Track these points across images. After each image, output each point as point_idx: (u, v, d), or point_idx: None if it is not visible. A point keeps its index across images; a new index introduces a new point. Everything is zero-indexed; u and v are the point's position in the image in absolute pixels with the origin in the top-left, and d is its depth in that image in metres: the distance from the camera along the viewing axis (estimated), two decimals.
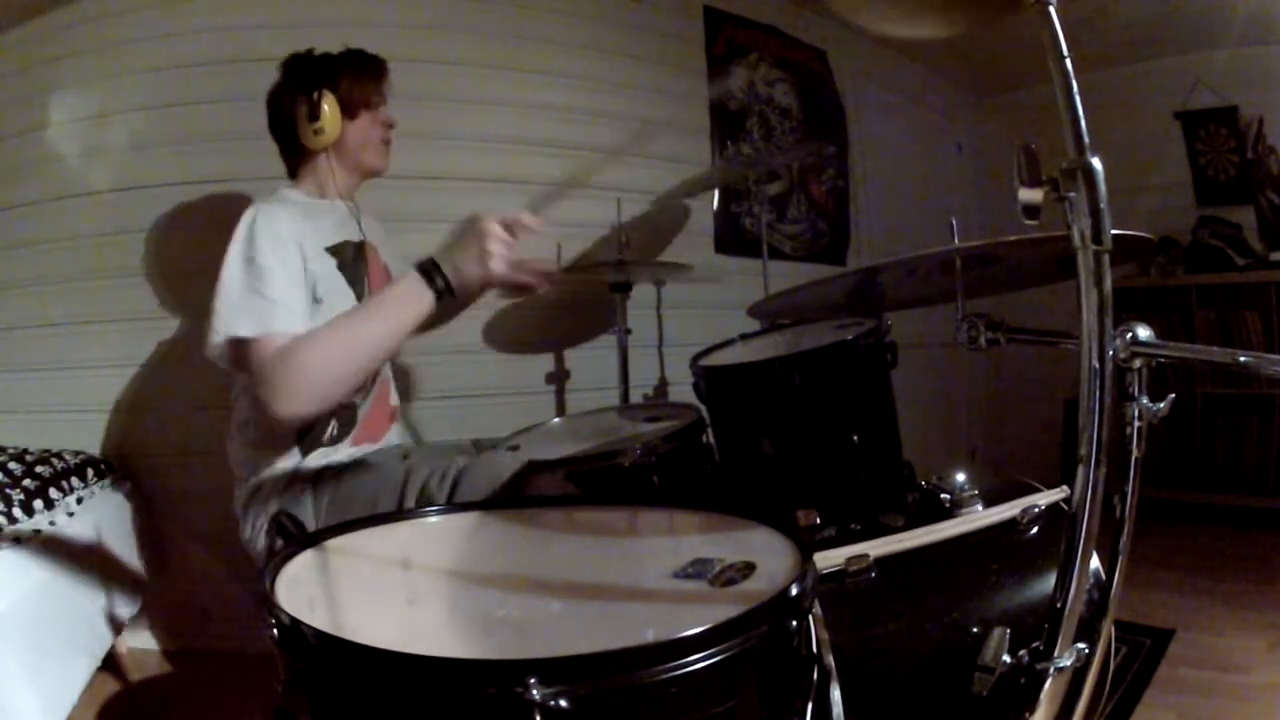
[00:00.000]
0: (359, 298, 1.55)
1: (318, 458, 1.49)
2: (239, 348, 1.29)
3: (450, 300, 1.23)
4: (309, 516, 1.39)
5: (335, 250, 1.54)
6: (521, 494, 1.33)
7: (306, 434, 1.49)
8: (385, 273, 1.69)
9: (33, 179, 2.20)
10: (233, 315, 1.30)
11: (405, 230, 1.84)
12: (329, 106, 1.52)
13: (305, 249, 1.43)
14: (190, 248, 2.16)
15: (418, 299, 1.21)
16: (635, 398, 2.43)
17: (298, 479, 1.46)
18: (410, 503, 1.36)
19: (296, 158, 1.61)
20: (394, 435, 1.71)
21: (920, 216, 3.48)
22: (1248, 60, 3.27)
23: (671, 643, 0.62)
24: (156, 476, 2.19)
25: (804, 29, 3.22)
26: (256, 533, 1.46)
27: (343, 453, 1.53)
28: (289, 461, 1.47)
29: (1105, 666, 0.99)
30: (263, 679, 0.73)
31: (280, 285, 1.33)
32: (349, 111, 1.56)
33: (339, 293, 1.51)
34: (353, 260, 1.57)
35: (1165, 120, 3.52)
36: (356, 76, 1.57)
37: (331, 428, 1.52)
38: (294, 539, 0.96)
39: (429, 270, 1.21)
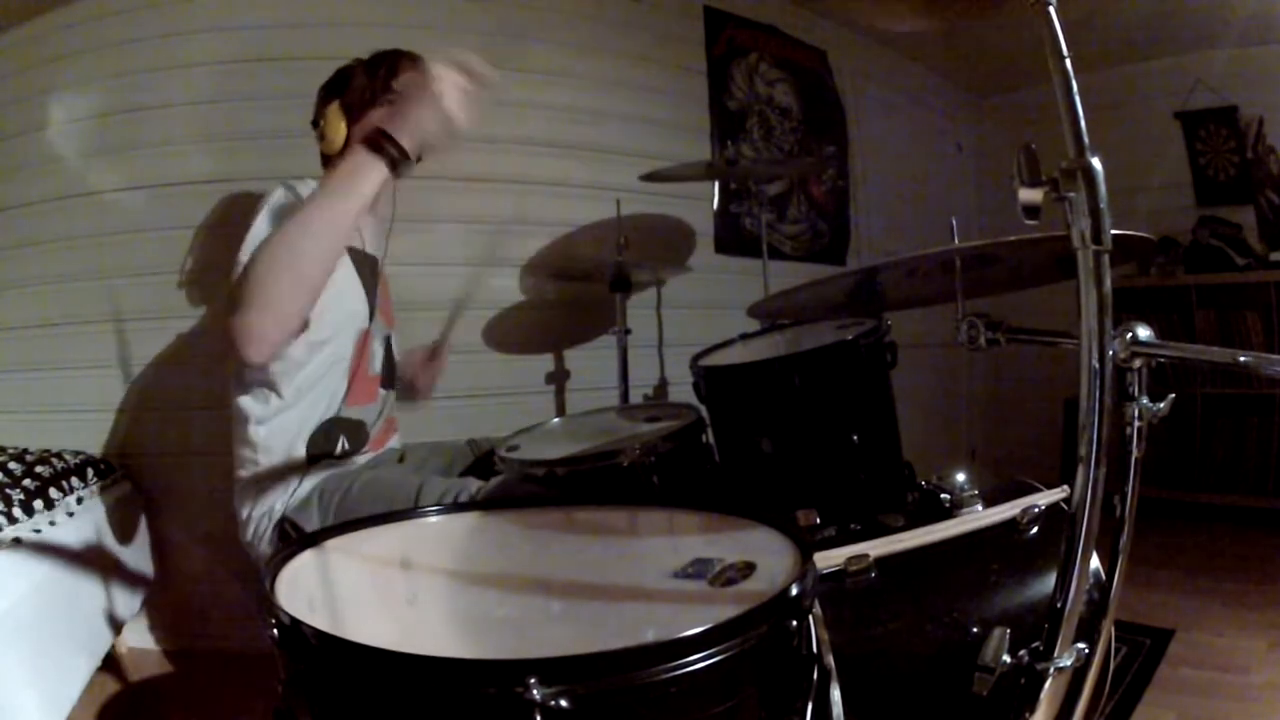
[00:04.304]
0: (371, 308, 1.55)
1: (323, 468, 1.49)
2: None
3: (407, 166, 1.13)
4: (315, 522, 1.39)
5: (352, 252, 1.56)
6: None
7: (314, 448, 1.49)
8: (388, 291, 1.70)
9: (33, 179, 2.20)
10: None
11: (405, 231, 1.84)
12: (331, 115, 1.56)
13: None
14: (191, 248, 2.17)
15: (370, 172, 1.11)
16: (635, 398, 2.43)
17: (302, 487, 1.46)
18: None
19: (325, 156, 1.64)
20: (394, 441, 1.72)
21: (920, 216, 3.48)
22: (1248, 60, 3.27)
23: (671, 643, 0.62)
24: (156, 476, 2.19)
25: (804, 29, 3.22)
26: (259, 536, 1.46)
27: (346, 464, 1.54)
28: (293, 468, 1.47)
29: (1105, 666, 0.99)
30: (263, 679, 0.73)
31: None
32: (354, 115, 1.56)
33: (353, 293, 1.51)
34: (369, 271, 1.58)
35: (1165, 120, 3.52)
36: (363, 77, 1.57)
37: (341, 443, 1.52)
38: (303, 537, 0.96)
39: (377, 141, 1.10)
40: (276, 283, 1.11)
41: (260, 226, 1.37)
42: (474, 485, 1.41)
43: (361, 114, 1.56)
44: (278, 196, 1.43)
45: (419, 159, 1.18)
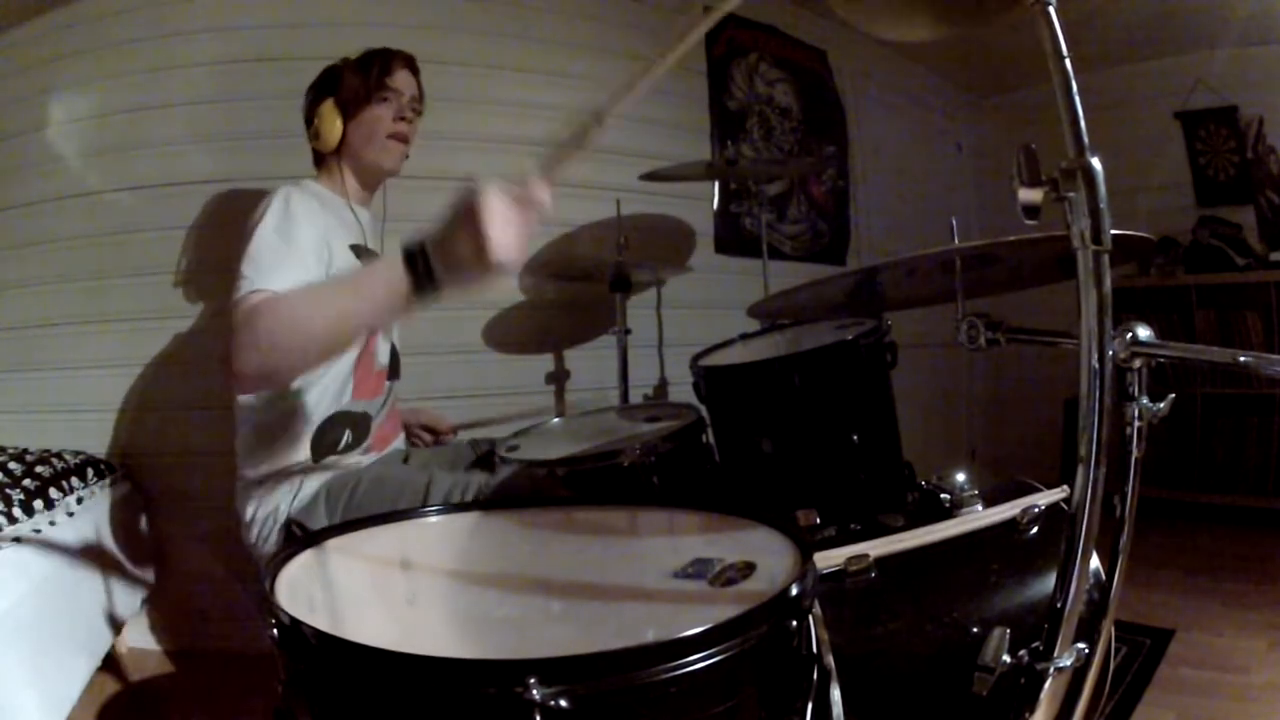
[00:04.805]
0: None
1: (328, 468, 1.49)
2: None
3: (433, 296, 0.95)
4: (322, 524, 1.39)
5: (356, 250, 1.57)
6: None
7: (320, 442, 1.49)
8: None
9: (33, 179, 2.20)
10: (268, 270, 1.26)
11: (405, 231, 1.84)
12: (325, 112, 1.57)
13: (329, 238, 1.47)
14: (191, 247, 2.17)
15: (398, 293, 0.94)
16: (635, 398, 2.43)
17: (307, 486, 1.46)
18: None
19: (317, 156, 1.66)
20: (399, 442, 1.72)
21: (920, 216, 3.48)
22: (1248, 60, 3.27)
23: (671, 643, 0.62)
24: (157, 476, 2.19)
25: (804, 29, 3.22)
26: (263, 538, 1.46)
27: (351, 460, 1.54)
28: (298, 467, 1.47)
29: (1105, 666, 0.99)
30: (263, 679, 0.73)
31: (310, 253, 1.38)
32: (349, 112, 1.57)
33: None
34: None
35: (1165, 120, 3.52)
36: (356, 74, 1.58)
37: (346, 437, 1.53)
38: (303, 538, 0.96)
39: (414, 262, 0.93)
40: (280, 345, 1.05)
41: (268, 229, 1.37)
42: (479, 479, 1.40)
43: (357, 111, 1.58)
44: (282, 197, 1.43)
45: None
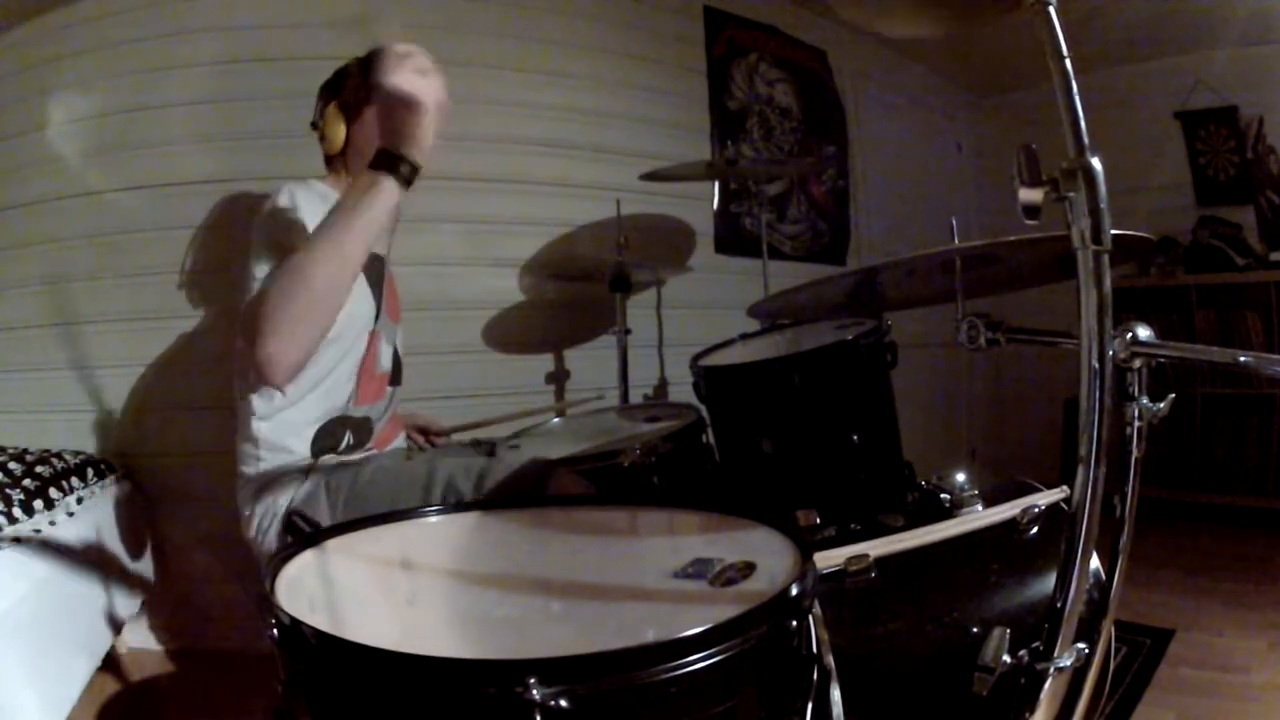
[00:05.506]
0: (378, 305, 1.56)
1: (328, 463, 1.49)
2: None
3: (417, 175, 1.17)
4: (324, 514, 1.38)
5: None
6: (541, 492, 1.33)
7: (320, 445, 1.49)
8: (394, 288, 1.70)
9: (33, 179, 2.20)
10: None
11: (405, 230, 1.84)
12: (330, 115, 1.57)
13: None
14: (191, 248, 2.17)
15: (384, 192, 1.15)
16: (635, 398, 2.43)
17: (309, 477, 1.45)
18: (437, 496, 1.36)
19: (326, 157, 1.65)
20: (399, 442, 1.72)
21: (920, 216, 3.48)
22: (1248, 60, 3.27)
23: (671, 643, 0.62)
24: (157, 476, 2.19)
25: (804, 29, 3.22)
26: (262, 533, 1.46)
27: (352, 458, 1.53)
28: (299, 465, 1.47)
29: (1105, 666, 0.99)
30: (263, 679, 0.73)
31: None
32: (351, 113, 1.57)
33: (359, 293, 1.51)
34: (375, 271, 1.57)
35: (1165, 120, 3.52)
36: (357, 74, 1.57)
37: (347, 439, 1.52)
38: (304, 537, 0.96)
39: (388, 162, 1.15)
40: (295, 309, 1.11)
41: (272, 228, 1.37)
42: (484, 460, 1.40)
43: (358, 112, 1.57)
44: (285, 194, 1.42)
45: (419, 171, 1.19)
